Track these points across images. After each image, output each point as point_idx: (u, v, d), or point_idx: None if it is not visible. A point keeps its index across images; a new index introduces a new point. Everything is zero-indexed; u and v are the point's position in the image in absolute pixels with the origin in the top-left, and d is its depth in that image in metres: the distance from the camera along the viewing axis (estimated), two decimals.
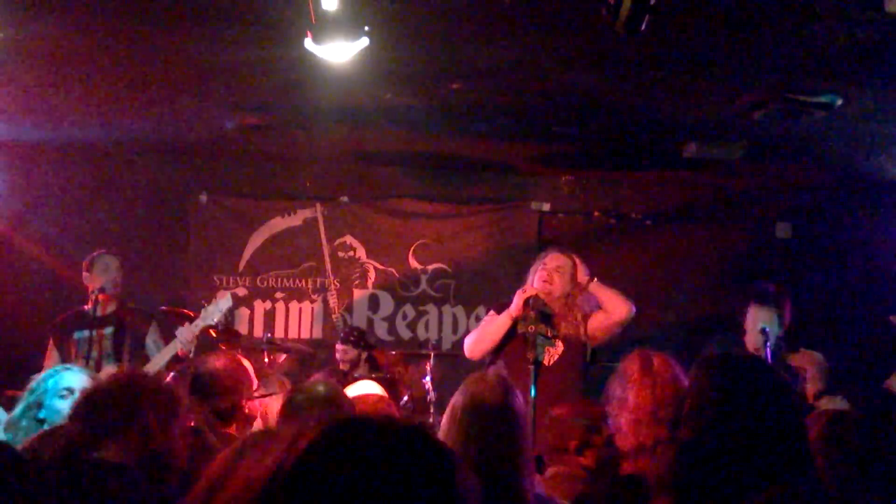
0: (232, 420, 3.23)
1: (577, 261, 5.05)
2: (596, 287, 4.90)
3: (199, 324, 5.33)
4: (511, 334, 4.86)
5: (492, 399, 2.67)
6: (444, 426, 2.75)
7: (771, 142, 6.23)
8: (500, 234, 7.78)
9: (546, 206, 7.92)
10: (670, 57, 4.57)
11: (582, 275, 5.01)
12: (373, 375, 6.32)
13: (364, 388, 3.88)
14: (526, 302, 4.71)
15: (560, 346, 4.83)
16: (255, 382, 3.36)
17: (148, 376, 2.88)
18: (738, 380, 2.24)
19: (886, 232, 7.46)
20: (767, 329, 5.41)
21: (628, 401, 3.30)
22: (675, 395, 3.47)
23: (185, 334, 5.21)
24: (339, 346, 6.70)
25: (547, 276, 4.90)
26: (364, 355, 6.71)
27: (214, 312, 5.44)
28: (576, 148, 6.85)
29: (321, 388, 3.11)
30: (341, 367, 6.65)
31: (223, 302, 5.53)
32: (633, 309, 4.88)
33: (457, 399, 2.74)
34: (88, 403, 2.63)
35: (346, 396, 3.15)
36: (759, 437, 2.13)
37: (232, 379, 3.22)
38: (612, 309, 4.86)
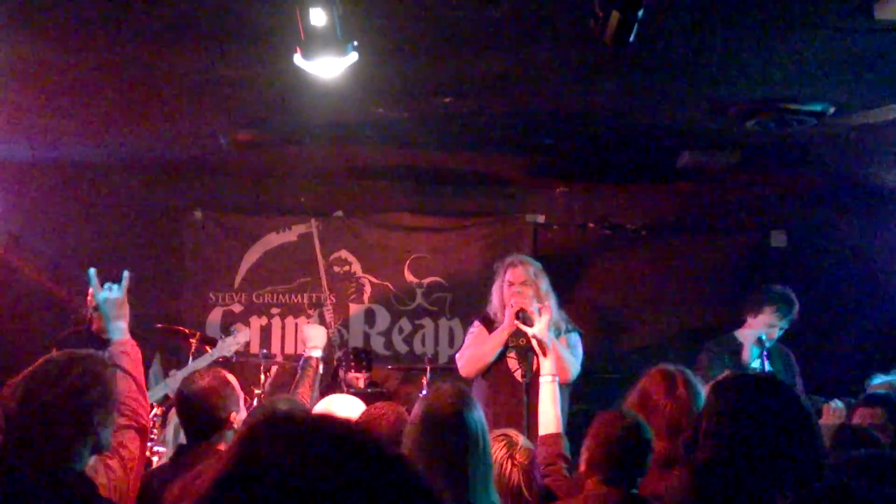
0: (220, 437, 3.22)
1: (534, 268, 5.09)
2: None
3: (215, 354, 5.36)
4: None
5: (445, 411, 2.69)
6: (405, 436, 2.77)
7: (764, 151, 6.24)
8: (495, 247, 7.75)
9: (541, 218, 7.92)
10: (661, 67, 4.58)
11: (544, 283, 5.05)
12: (368, 390, 6.31)
13: (337, 403, 3.86)
14: (516, 315, 4.78)
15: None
16: (242, 397, 3.36)
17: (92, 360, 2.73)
18: (754, 400, 2.23)
19: (881, 240, 7.46)
20: (764, 338, 5.44)
21: (654, 421, 3.27)
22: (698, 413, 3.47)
23: (200, 364, 5.25)
24: (352, 374, 6.53)
25: (517, 292, 4.96)
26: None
27: (232, 344, 5.46)
28: (569, 160, 6.85)
29: (281, 406, 3.11)
30: (346, 391, 6.56)
31: (241, 335, 5.54)
32: (575, 374, 4.88)
33: (415, 410, 2.77)
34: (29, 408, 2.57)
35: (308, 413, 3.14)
36: (776, 457, 2.12)
37: (218, 396, 3.22)
38: None
